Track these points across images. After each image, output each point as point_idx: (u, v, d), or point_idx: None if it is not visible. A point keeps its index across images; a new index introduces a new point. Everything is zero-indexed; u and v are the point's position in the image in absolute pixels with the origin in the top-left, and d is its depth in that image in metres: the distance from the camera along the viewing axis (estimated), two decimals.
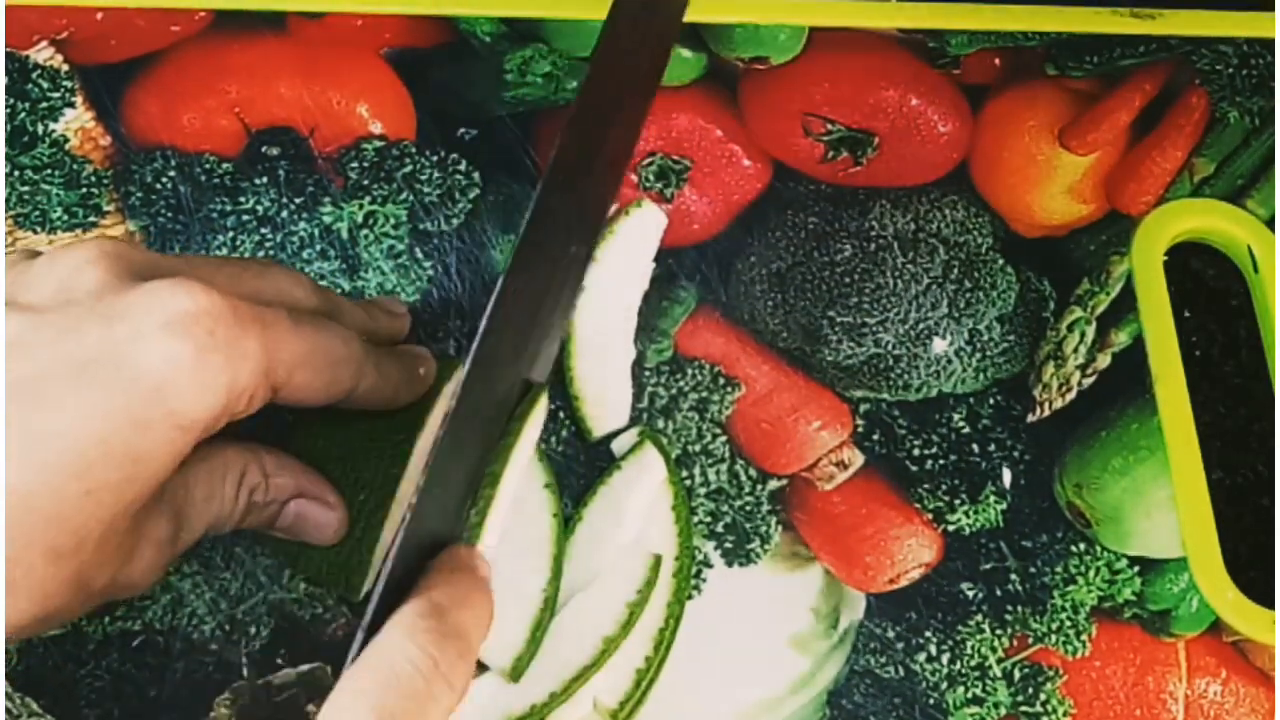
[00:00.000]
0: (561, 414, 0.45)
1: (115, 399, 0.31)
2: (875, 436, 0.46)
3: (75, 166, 0.47)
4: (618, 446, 0.45)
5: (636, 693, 0.41)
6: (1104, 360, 0.47)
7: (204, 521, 0.37)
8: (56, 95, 0.48)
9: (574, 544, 0.42)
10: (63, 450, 0.30)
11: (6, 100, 0.47)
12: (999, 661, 0.43)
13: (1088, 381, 0.47)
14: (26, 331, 0.31)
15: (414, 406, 0.41)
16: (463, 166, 0.48)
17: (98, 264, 0.33)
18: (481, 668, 0.40)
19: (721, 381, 0.46)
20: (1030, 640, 0.44)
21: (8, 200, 0.46)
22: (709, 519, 0.44)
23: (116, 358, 0.31)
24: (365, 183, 0.48)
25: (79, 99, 0.48)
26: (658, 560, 0.42)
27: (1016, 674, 0.43)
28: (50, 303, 0.32)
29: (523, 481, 0.42)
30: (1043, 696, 0.43)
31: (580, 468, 0.44)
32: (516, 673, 0.40)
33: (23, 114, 0.47)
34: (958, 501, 0.45)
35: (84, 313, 0.32)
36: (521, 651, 0.40)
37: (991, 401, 0.47)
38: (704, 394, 0.46)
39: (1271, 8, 0.53)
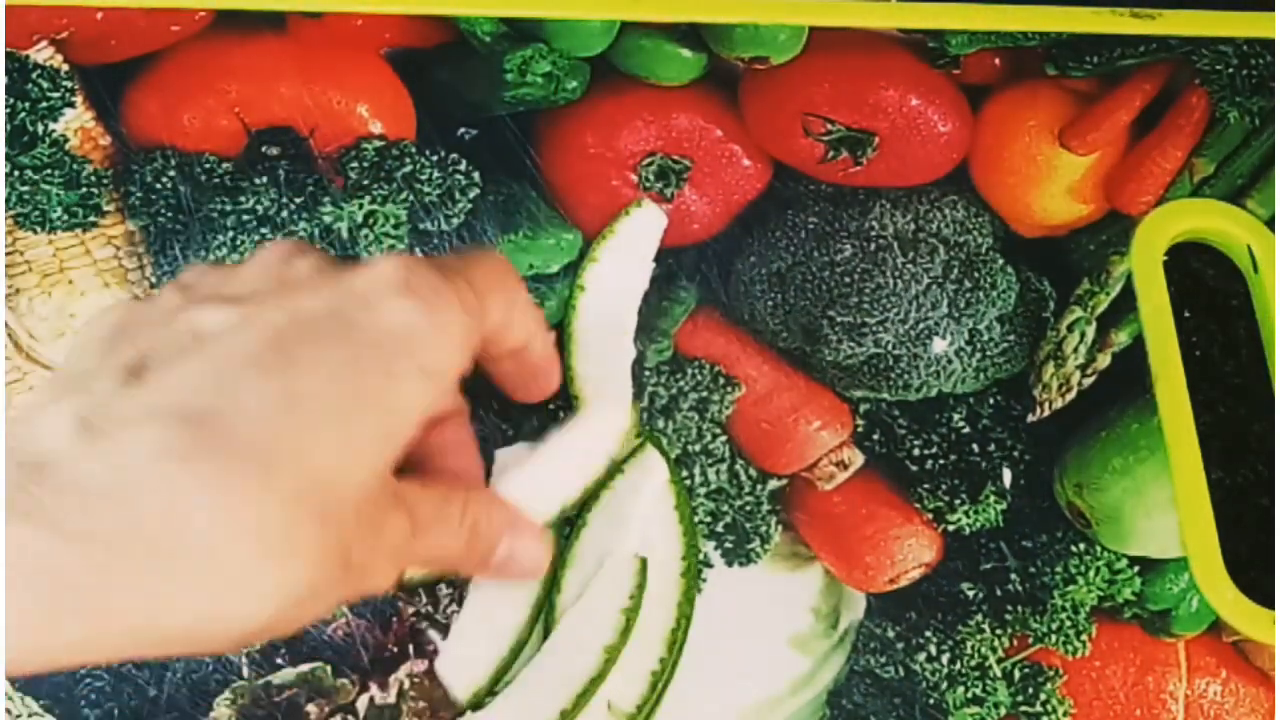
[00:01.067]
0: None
1: (364, 352, 0.31)
2: (875, 436, 0.46)
3: (75, 166, 0.47)
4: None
5: (653, 696, 0.41)
6: (1104, 360, 0.47)
7: (428, 544, 0.35)
8: (56, 95, 0.48)
9: (578, 549, 0.42)
10: (320, 406, 0.30)
11: (6, 100, 0.47)
12: (999, 661, 0.43)
13: (1088, 381, 0.47)
14: (237, 317, 0.31)
15: None
16: (463, 166, 0.48)
17: (307, 253, 0.34)
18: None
19: (721, 381, 0.46)
20: (1030, 640, 0.44)
21: (8, 200, 0.46)
22: (709, 519, 0.44)
23: (352, 319, 0.31)
24: (365, 183, 0.48)
25: (79, 99, 0.48)
26: (644, 563, 0.42)
27: (1016, 674, 0.43)
28: (266, 288, 0.32)
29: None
30: (1043, 696, 0.43)
31: None
32: (477, 699, 0.40)
33: (23, 114, 0.47)
34: (958, 501, 0.45)
35: (309, 284, 0.32)
36: (486, 681, 0.40)
37: (991, 401, 0.47)
38: (704, 394, 0.46)
39: (1271, 8, 0.53)
